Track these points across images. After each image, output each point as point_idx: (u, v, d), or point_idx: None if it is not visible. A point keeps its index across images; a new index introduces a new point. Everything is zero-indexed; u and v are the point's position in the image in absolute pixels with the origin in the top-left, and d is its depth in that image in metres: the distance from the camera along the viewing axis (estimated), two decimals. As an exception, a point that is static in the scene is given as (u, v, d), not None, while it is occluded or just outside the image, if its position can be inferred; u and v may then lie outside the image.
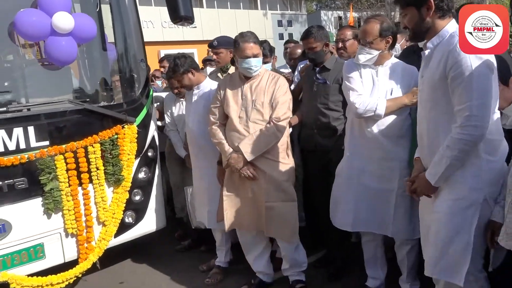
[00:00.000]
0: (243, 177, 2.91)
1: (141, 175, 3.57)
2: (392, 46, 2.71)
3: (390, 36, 2.64)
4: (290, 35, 30.31)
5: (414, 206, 2.59)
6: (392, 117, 2.64)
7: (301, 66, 3.85)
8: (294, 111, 3.21)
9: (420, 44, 2.23)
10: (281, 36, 28.30)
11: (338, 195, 2.88)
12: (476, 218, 1.92)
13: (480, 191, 1.93)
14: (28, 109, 3.05)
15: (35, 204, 3.02)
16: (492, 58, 1.91)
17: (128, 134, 3.37)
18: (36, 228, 3.04)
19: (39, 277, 3.06)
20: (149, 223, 3.64)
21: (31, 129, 2.95)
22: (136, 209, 3.55)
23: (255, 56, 2.87)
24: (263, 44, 3.70)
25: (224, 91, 3.04)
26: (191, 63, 3.36)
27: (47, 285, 3.09)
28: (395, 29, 2.75)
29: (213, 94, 3.22)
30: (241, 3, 26.84)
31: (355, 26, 4.91)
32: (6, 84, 3.37)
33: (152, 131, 3.66)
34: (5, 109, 2.89)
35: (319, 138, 3.22)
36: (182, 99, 3.74)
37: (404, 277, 2.88)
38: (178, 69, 3.32)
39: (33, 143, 2.97)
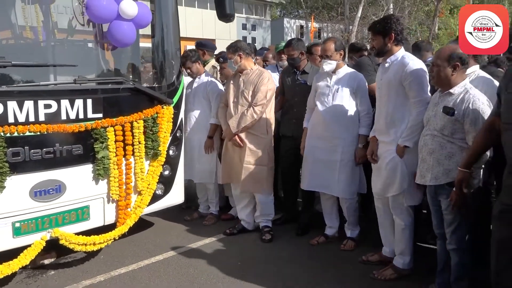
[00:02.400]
0: (234, 145, 4.00)
1: (171, 152, 3.94)
2: (343, 57, 3.85)
3: (342, 50, 3.77)
4: (253, 39, 31.12)
5: (353, 174, 3.76)
6: (341, 108, 3.69)
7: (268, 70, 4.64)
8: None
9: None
10: (244, 39, 28.93)
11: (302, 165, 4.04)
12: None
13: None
14: (83, 84, 3.33)
15: (87, 169, 3.33)
16: (423, 66, 3.04)
17: (166, 114, 3.75)
18: (85, 191, 3.34)
19: (83, 236, 3.38)
20: (173, 197, 4.03)
21: (89, 102, 3.25)
22: (165, 183, 3.92)
23: (229, 58, 4.06)
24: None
25: (229, 82, 4.19)
26: (198, 57, 4.55)
27: (89, 244, 3.40)
28: (344, 45, 3.98)
29: (209, 84, 4.45)
30: (208, 3, 27.08)
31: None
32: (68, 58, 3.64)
33: (182, 114, 4.06)
34: (73, 80, 3.19)
35: (297, 127, 4.14)
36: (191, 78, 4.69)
37: (347, 224, 3.95)
38: (189, 58, 4.44)
39: (90, 114, 3.28)
